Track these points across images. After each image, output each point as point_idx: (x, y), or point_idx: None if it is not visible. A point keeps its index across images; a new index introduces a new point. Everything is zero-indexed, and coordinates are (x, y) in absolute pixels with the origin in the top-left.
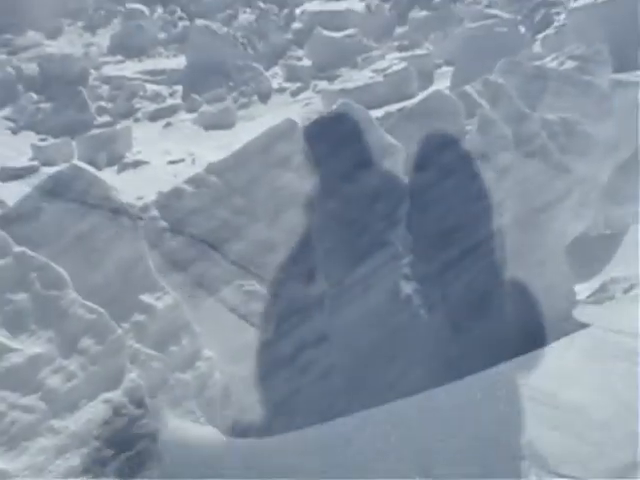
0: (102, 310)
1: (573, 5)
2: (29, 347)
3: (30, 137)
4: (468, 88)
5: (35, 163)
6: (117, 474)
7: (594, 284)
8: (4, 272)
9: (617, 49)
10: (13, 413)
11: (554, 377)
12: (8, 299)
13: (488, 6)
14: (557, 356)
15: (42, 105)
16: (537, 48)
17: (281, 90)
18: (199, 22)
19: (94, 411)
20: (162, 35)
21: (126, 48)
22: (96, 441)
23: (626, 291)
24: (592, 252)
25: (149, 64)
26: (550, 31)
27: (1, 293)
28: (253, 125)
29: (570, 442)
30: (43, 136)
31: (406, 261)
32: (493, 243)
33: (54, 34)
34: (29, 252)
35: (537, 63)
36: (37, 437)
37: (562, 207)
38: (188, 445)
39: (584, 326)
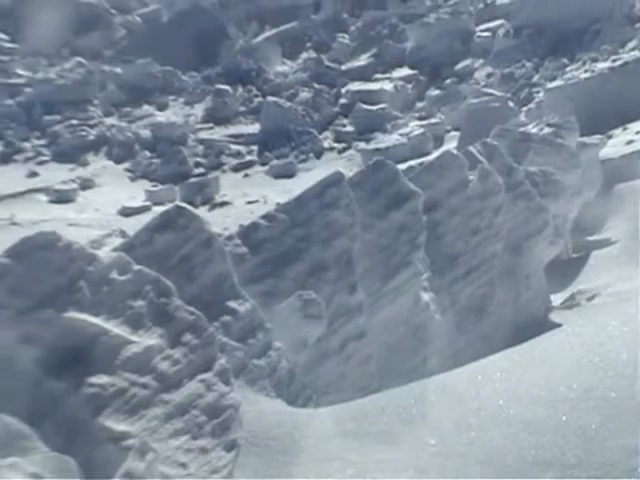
0: (199, 313)
1: (549, 86)
2: (145, 340)
3: (144, 184)
4: (471, 148)
5: (148, 203)
6: (210, 435)
7: (565, 294)
8: (126, 285)
9: (581, 119)
10: (133, 389)
11: (536, 365)
12: (129, 305)
13: (485, 86)
14: (539, 348)
15: (153, 160)
16: (522, 118)
17: (331, 149)
18: (270, 98)
19: (193, 388)
20: (242, 108)
21: (215, 118)
22: (194, 410)
23: (589, 299)
24: (564, 271)
25: (232, 130)
26: (532, 105)
27: (124, 300)
28: (310, 175)
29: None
30: (154, 183)
31: (424, 277)
32: (490, 264)
33: (162, 107)
34: (145, 270)
35: (522, 129)
36: (151, 407)
37: (541, 237)
38: (262, 413)
39: (558, 326)
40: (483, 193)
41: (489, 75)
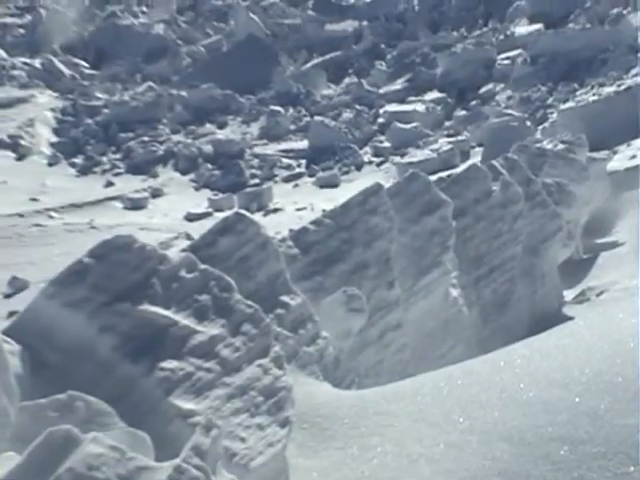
0: (256, 306)
1: (562, 107)
2: (209, 330)
3: (207, 193)
4: (494, 162)
5: (210, 210)
6: (266, 413)
7: (576, 290)
8: (193, 282)
9: (590, 137)
10: (199, 373)
11: (552, 353)
12: (196, 299)
13: (505, 108)
14: (554, 338)
15: (214, 172)
16: (538, 135)
17: (370, 162)
18: (316, 118)
19: (251, 372)
20: (292, 126)
21: (269, 135)
22: (252, 391)
23: (598, 295)
24: (575, 270)
25: (284, 145)
26: (547, 124)
27: (191, 295)
28: (352, 186)
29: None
30: (215, 192)
31: (453, 275)
32: (511, 264)
33: (222, 126)
34: (209, 268)
35: (538, 145)
36: (214, 389)
37: (555, 240)
38: (311, 394)
39: (570, 318)
40: (504, 202)
41: (509, 98)
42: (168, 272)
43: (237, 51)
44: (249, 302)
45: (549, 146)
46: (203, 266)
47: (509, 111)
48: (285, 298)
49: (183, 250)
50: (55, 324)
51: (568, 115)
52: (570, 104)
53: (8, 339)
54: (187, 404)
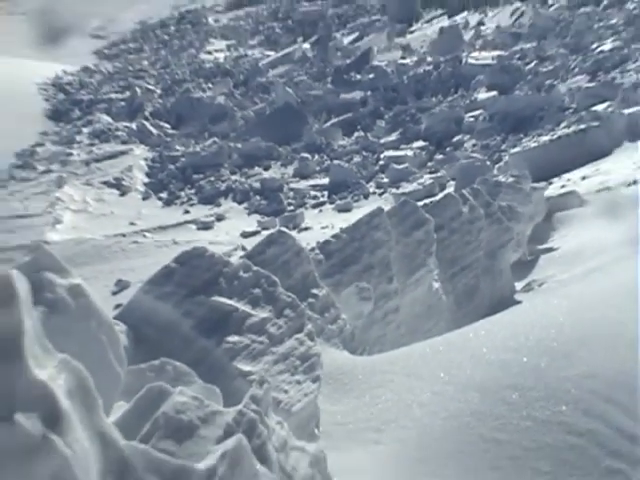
0: (294, 296)
1: (511, 152)
2: (260, 314)
3: (256, 217)
4: (463, 191)
5: (259, 229)
6: (302, 372)
7: (524, 282)
8: (248, 280)
9: (533, 173)
10: (254, 345)
11: (507, 325)
12: (250, 292)
13: (471, 152)
14: (508, 315)
15: (262, 202)
16: (495, 172)
17: (374, 193)
18: (335, 162)
19: (291, 343)
20: (317, 168)
21: (301, 174)
22: (292, 357)
23: (540, 285)
24: (523, 268)
25: (312, 182)
26: (501, 164)
27: (247, 289)
28: (361, 210)
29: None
30: (263, 216)
31: (435, 273)
32: (476, 264)
33: (267, 168)
34: (260, 270)
35: (495, 179)
36: (265, 356)
37: (508, 247)
38: (334, 359)
39: (520, 302)
40: (471, 219)
41: (474, 145)
42: (230, 273)
43: (276, 114)
44: (289, 293)
45: (503, 179)
46: (255, 268)
47: (474, 155)
48: (314, 290)
49: (241, 257)
50: (150, 311)
51: (516, 157)
52: (517, 149)
53: (117, 322)
54: (246, 367)
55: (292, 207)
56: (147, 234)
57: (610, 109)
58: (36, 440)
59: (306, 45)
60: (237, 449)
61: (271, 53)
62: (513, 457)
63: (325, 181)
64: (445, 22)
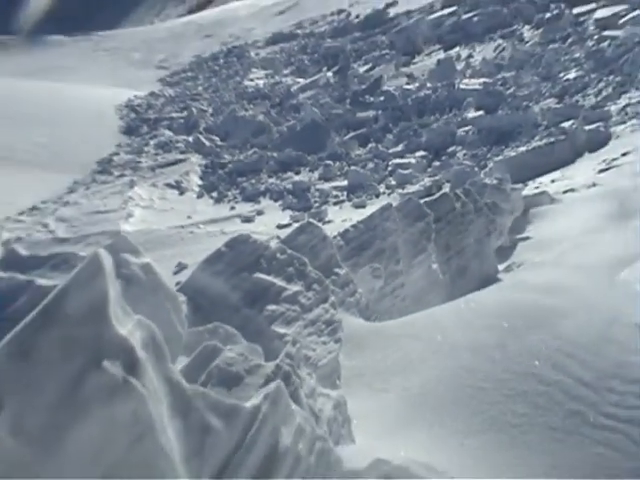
0: (320, 274)
1: (495, 160)
2: (293, 288)
3: (289, 212)
4: (456, 191)
5: (291, 222)
6: (327, 335)
7: (505, 264)
8: (284, 261)
9: (512, 176)
10: (288, 312)
11: (491, 297)
12: (285, 269)
13: (463, 160)
14: (492, 290)
15: (293, 200)
16: (482, 176)
17: (384, 193)
18: (353, 167)
19: (318, 312)
20: (338, 172)
21: (325, 177)
22: (319, 322)
23: (518, 267)
24: (504, 252)
25: (333, 183)
26: (487, 169)
27: (283, 268)
28: (374, 207)
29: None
30: (294, 212)
31: (433, 256)
32: (467, 249)
33: (298, 173)
34: (294, 252)
35: (482, 181)
36: (297, 321)
37: (493, 236)
38: (351, 324)
39: (499, 280)
40: (463, 213)
41: (465, 154)
42: (269, 255)
43: (305, 129)
44: (316, 272)
45: (488, 182)
46: (289, 251)
47: (465, 162)
48: (336, 270)
49: (277, 243)
50: (205, 285)
51: (499, 164)
52: (500, 157)
53: (179, 293)
54: (281, 330)
55: (317, 204)
56: (201, 226)
57: (574, 126)
58: (119, 382)
59: (329, 74)
60: (277, 391)
61: (301, 80)
62: (495, 402)
63: (344, 183)
64: (441, 55)
